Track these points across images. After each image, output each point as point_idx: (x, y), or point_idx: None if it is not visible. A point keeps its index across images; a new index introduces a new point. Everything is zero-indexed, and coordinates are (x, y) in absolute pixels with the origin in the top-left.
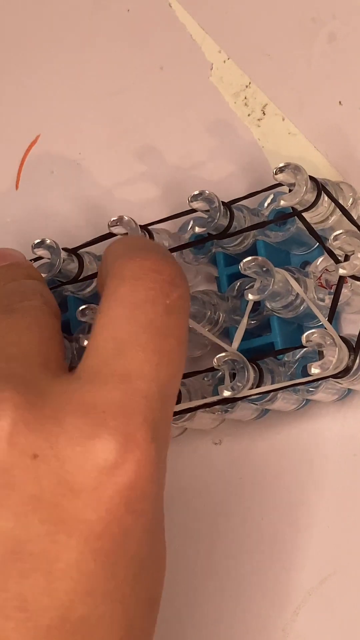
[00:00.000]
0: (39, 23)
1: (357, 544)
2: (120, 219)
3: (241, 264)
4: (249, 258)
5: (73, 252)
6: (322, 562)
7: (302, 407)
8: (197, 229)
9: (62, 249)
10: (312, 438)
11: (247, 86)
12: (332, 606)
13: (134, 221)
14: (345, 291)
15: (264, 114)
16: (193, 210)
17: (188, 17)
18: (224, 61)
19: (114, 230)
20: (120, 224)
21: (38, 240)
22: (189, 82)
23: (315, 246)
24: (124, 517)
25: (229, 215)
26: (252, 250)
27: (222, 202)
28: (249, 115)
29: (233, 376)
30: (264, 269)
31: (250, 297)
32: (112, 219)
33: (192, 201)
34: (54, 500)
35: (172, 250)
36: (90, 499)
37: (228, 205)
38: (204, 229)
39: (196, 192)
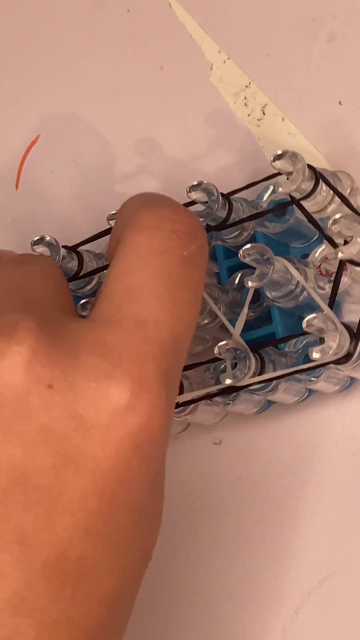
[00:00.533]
0: (39, 23)
1: (357, 544)
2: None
3: (241, 252)
4: (249, 245)
5: (72, 249)
6: (322, 562)
7: (305, 399)
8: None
9: (62, 246)
10: (312, 438)
11: (247, 86)
12: (332, 606)
13: None
14: (345, 279)
15: (264, 114)
16: (192, 203)
17: (188, 17)
18: (224, 61)
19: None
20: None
21: (37, 238)
22: (189, 82)
23: (315, 238)
24: (132, 459)
25: (227, 206)
26: (251, 242)
27: (220, 193)
28: (249, 115)
29: (235, 366)
30: (264, 256)
31: (250, 284)
32: (111, 213)
33: (190, 192)
34: (64, 434)
35: None
36: (101, 436)
37: (227, 196)
38: (203, 220)
39: (195, 183)
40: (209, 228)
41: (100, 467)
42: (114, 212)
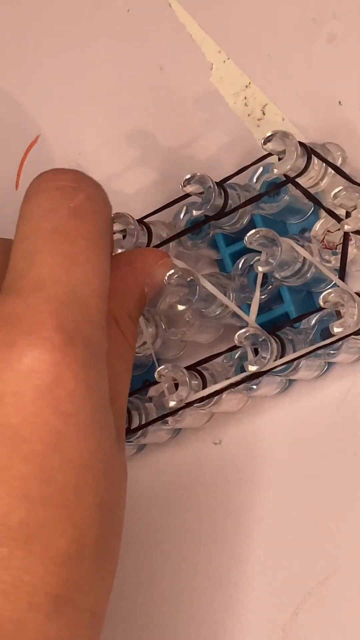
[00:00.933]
0: (39, 23)
1: (357, 544)
2: (117, 215)
3: (246, 238)
4: (253, 231)
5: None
6: (322, 562)
7: (324, 374)
8: (194, 213)
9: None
10: (312, 438)
11: (247, 86)
12: (332, 606)
13: (131, 217)
14: (350, 249)
15: (263, 114)
16: (186, 196)
17: (188, 17)
18: (224, 61)
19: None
20: (117, 221)
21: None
22: (189, 82)
23: (310, 212)
24: (52, 419)
25: (223, 194)
26: (250, 226)
27: (215, 182)
28: (248, 115)
29: (256, 352)
30: (270, 239)
31: (260, 269)
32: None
33: (185, 185)
34: None
35: (170, 239)
36: (12, 403)
37: (221, 184)
38: (201, 212)
39: (188, 176)
40: (207, 218)
41: (19, 433)
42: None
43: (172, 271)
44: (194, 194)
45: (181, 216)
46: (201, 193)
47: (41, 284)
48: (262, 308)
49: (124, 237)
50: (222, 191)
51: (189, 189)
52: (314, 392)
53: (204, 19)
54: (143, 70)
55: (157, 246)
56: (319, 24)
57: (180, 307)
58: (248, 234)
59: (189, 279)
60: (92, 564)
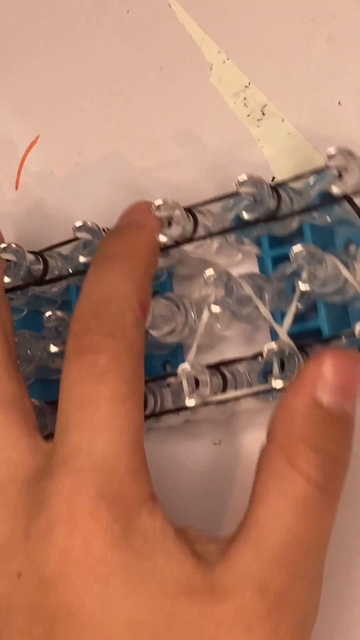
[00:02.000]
0: (39, 23)
1: (357, 544)
2: (164, 201)
3: (292, 254)
4: (300, 248)
5: (39, 254)
6: None
7: None
8: (246, 215)
9: (28, 251)
10: None
11: (246, 87)
12: (332, 606)
13: (178, 204)
14: None
15: (263, 114)
16: (236, 194)
17: (188, 17)
18: (224, 61)
19: (78, 234)
20: (85, 230)
21: (4, 245)
22: (189, 82)
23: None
24: (90, 583)
25: (276, 198)
26: (298, 232)
27: (269, 184)
28: (248, 115)
29: (281, 365)
30: (316, 257)
31: (302, 287)
32: (76, 224)
33: (240, 186)
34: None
35: (217, 233)
36: None
37: (275, 188)
38: (254, 215)
39: (244, 177)
40: (258, 221)
41: None
42: (79, 223)
43: (212, 271)
44: (246, 196)
45: (231, 207)
46: (254, 194)
47: (66, 458)
48: (295, 316)
49: (170, 223)
50: (275, 194)
51: (244, 189)
52: None
53: (204, 19)
54: (143, 70)
55: (202, 238)
56: (318, 24)
57: (215, 309)
58: (294, 249)
59: (226, 281)
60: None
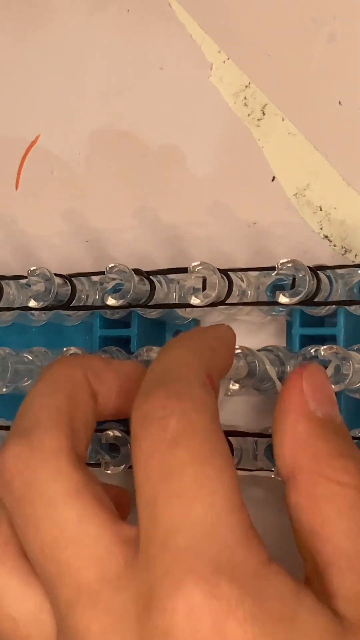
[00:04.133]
0: (39, 23)
1: None
2: (202, 263)
3: (322, 351)
4: (334, 348)
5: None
6: None
7: None
8: (284, 300)
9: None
10: None
11: (247, 86)
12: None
13: (213, 267)
14: None
15: (263, 114)
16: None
17: (188, 17)
18: (224, 61)
19: (110, 275)
20: (199, 270)
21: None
22: (189, 82)
23: None
24: None
25: (315, 280)
26: (332, 316)
27: (309, 268)
28: (248, 115)
29: None
30: (342, 357)
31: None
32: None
33: (279, 269)
34: None
35: (251, 304)
36: None
37: (315, 271)
38: (292, 300)
39: (283, 261)
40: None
41: None
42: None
43: (239, 350)
44: (287, 278)
45: (266, 283)
46: (292, 276)
47: (166, 538)
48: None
49: (204, 286)
50: (314, 277)
51: (282, 272)
52: None
53: (204, 19)
54: (143, 70)
55: (235, 304)
56: (318, 24)
57: (234, 387)
58: (324, 348)
59: (250, 362)
60: None
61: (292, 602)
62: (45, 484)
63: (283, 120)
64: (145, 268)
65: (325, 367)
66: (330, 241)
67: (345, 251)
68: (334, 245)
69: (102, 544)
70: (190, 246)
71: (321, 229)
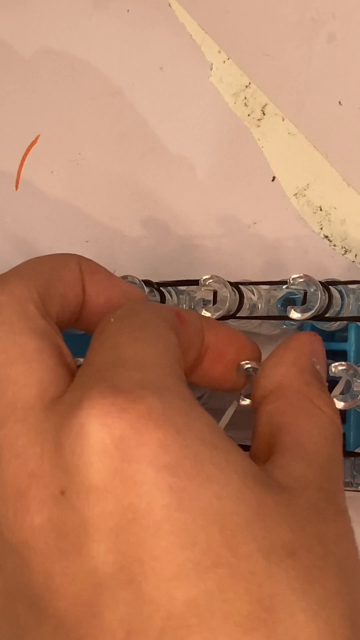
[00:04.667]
0: (39, 23)
1: (357, 543)
2: (212, 276)
3: (332, 368)
4: (344, 365)
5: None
6: None
7: None
8: (295, 315)
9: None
10: None
11: (246, 86)
12: None
13: (223, 279)
14: None
15: (263, 114)
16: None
17: (188, 17)
18: (224, 61)
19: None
20: (210, 283)
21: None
22: (189, 82)
23: None
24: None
25: (327, 296)
26: (343, 330)
27: (320, 282)
28: (248, 115)
29: None
30: (352, 373)
31: (341, 405)
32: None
33: (292, 284)
34: None
35: (263, 317)
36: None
37: (326, 285)
38: (304, 315)
39: (295, 275)
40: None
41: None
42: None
43: (249, 364)
44: (298, 292)
45: (278, 303)
46: (304, 291)
47: (102, 367)
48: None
49: (215, 299)
50: (326, 292)
51: (294, 287)
52: None
53: (204, 19)
54: (143, 70)
55: (245, 318)
56: (318, 24)
57: (244, 402)
58: (334, 365)
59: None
60: None
61: (217, 429)
62: (10, 317)
63: (283, 120)
64: (145, 265)
65: (336, 384)
66: (330, 241)
67: (345, 251)
68: (334, 245)
69: (53, 371)
70: (191, 245)
71: (321, 229)
